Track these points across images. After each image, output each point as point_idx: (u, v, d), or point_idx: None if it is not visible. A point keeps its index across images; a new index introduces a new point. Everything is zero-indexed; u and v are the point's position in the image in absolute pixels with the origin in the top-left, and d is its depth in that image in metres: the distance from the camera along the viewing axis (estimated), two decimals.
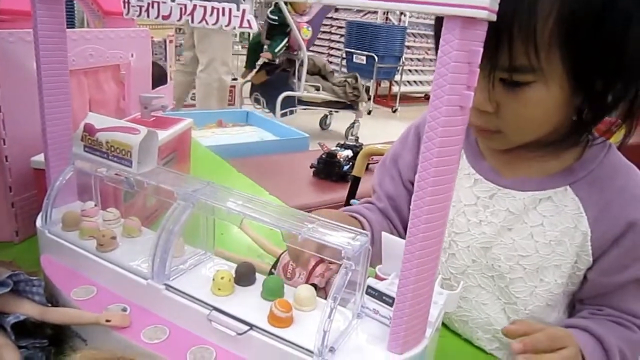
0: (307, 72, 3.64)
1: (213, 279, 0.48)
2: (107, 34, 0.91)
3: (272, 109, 3.47)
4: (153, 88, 1.21)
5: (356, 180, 1.48)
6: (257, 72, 3.90)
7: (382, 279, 0.49)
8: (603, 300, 0.63)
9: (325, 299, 0.61)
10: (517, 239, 0.64)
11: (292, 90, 3.55)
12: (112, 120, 0.57)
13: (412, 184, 0.71)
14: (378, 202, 0.78)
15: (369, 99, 5.49)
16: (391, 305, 0.46)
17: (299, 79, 3.66)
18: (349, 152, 1.90)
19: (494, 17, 0.33)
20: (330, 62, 6.17)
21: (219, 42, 3.29)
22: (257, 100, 3.91)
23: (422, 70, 6.70)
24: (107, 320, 0.46)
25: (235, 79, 4.14)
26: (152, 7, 0.45)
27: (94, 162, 0.56)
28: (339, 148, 1.92)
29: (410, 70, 6.54)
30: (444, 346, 0.54)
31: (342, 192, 1.82)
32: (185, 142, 1.04)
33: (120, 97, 1.03)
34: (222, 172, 1.27)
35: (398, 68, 5.99)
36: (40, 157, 0.74)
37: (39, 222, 0.59)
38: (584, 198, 0.62)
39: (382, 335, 0.44)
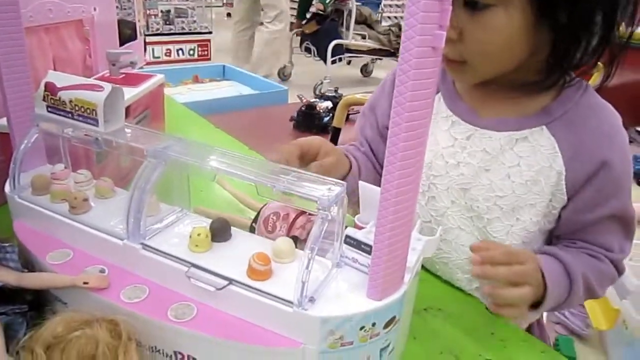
0: (354, 22, 3.79)
1: (190, 236, 0.47)
2: None
3: (322, 57, 3.61)
4: (122, 45, 1.16)
5: (337, 131, 1.46)
6: (307, 22, 4.03)
7: (361, 228, 0.49)
8: (576, 235, 0.65)
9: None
10: (495, 179, 0.65)
11: (341, 39, 3.68)
12: (74, 78, 0.54)
13: (388, 129, 0.75)
14: (360, 147, 0.80)
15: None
16: (369, 253, 0.46)
17: (347, 28, 3.83)
18: (329, 103, 1.87)
19: None
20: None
21: None
22: (307, 49, 4.12)
23: (402, 17, 6.54)
24: (85, 283, 0.46)
25: (210, 32, 4.00)
26: None
27: (59, 123, 0.54)
28: (318, 100, 1.89)
29: (389, 17, 6.38)
30: (423, 290, 0.55)
31: None
32: (158, 99, 1.01)
33: (87, 54, 0.99)
34: (200, 129, 1.24)
35: (377, 15, 5.82)
36: (3, 121, 0.71)
37: (7, 187, 0.57)
38: (559, 138, 0.62)
39: (361, 283, 0.44)
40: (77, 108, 0.52)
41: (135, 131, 0.53)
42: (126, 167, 0.86)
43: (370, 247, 0.46)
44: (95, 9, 0.94)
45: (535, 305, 0.61)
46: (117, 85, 0.52)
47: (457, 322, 0.61)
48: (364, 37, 3.90)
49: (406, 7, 0.33)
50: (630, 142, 3.48)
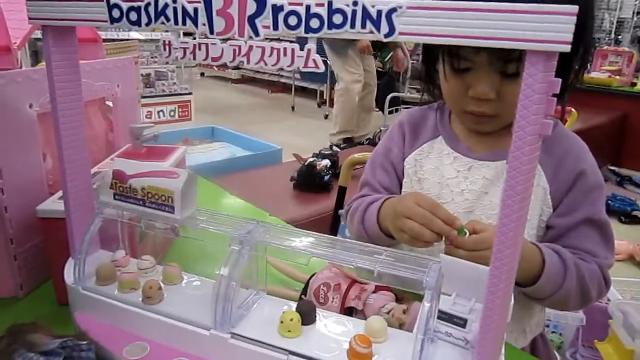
0: (410, 77, 4.22)
1: (281, 321, 0.47)
2: (94, 65, 0.87)
3: (381, 108, 3.93)
4: None
5: (342, 190, 1.48)
6: None
7: None
8: (561, 242, 0.71)
9: (365, 320, 0.62)
10: (494, 200, 0.74)
11: (398, 92, 4.05)
12: (143, 165, 0.54)
13: (402, 172, 0.82)
14: (374, 193, 0.84)
15: (324, 102, 5.53)
16: (463, 326, 0.46)
17: (404, 83, 4.35)
18: (327, 162, 1.91)
19: (568, 48, 0.34)
20: (282, 69, 6.16)
21: (340, 57, 3.54)
22: None
23: None
24: None
25: (190, 93, 4.05)
26: (199, 48, 0.43)
27: (129, 211, 0.54)
28: (316, 158, 1.92)
29: None
30: None
31: (325, 203, 1.81)
32: None
33: (108, 129, 0.99)
34: (215, 196, 1.24)
35: None
36: (46, 206, 0.69)
37: (69, 279, 0.55)
38: (541, 161, 0.71)
39: (460, 357, 0.45)
40: (150, 196, 0.52)
41: (207, 215, 0.53)
42: (160, 242, 0.85)
43: (464, 320, 0.46)
44: (118, 86, 0.95)
45: (532, 282, 0.65)
46: (192, 172, 0.52)
47: None
48: (418, 91, 4.10)
49: (520, 101, 0.35)
50: (605, 180, 3.66)
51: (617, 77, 3.67)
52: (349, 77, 3.58)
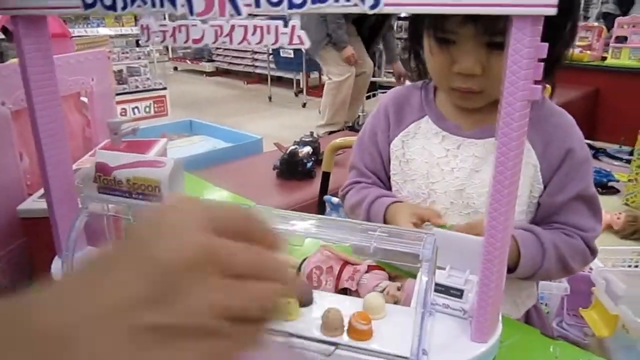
0: (386, 61, 4.25)
1: None
2: (66, 59, 0.84)
3: None
4: None
5: (326, 176, 1.48)
6: None
7: None
8: (552, 218, 0.74)
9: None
10: (485, 177, 0.73)
11: (374, 77, 4.05)
12: (127, 156, 0.53)
13: (389, 156, 0.81)
14: (366, 179, 0.85)
15: (301, 91, 5.50)
16: (460, 297, 0.47)
17: (379, 68, 4.33)
18: (309, 148, 1.90)
19: (555, 11, 0.35)
20: (256, 59, 6.10)
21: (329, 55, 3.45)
22: None
23: None
24: None
25: (164, 88, 3.97)
26: (179, 31, 0.42)
27: (114, 203, 0.52)
28: (297, 146, 1.91)
29: None
30: None
31: (309, 190, 1.81)
32: None
33: (85, 125, 0.96)
34: (199, 189, 1.22)
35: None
36: (27, 206, 0.67)
37: (58, 278, 0.54)
38: (530, 137, 0.70)
39: (459, 327, 0.45)
40: (135, 187, 0.51)
41: None
42: None
43: (460, 291, 0.47)
44: (92, 79, 0.92)
45: (511, 270, 0.66)
46: (178, 159, 0.51)
47: (516, 354, 0.63)
48: (394, 74, 4.17)
49: (507, 67, 0.36)
50: None
51: (588, 52, 3.73)
52: (338, 71, 3.45)
